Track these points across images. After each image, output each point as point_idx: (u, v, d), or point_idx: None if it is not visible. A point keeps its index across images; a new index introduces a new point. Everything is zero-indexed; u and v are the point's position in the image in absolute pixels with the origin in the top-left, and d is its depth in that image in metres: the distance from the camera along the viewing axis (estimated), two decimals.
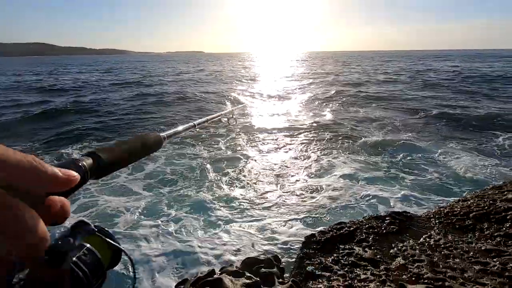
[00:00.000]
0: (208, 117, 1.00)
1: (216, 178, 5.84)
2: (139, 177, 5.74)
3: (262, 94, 17.53)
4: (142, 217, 4.20)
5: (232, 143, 8.47)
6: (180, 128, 0.72)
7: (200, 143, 8.25)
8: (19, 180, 0.27)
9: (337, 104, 14.18)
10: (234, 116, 1.35)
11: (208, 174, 6.05)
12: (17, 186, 0.27)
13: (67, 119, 11.12)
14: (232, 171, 6.18)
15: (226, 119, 1.28)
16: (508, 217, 2.03)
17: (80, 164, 0.36)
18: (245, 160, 6.82)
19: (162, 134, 0.59)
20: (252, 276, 1.20)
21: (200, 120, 0.91)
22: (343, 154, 7.10)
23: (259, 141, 8.62)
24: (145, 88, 19.27)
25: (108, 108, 12.90)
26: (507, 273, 1.50)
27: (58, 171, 0.30)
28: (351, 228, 2.17)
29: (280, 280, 1.22)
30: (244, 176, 5.88)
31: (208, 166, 6.51)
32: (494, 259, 1.64)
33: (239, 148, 7.91)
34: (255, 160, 6.84)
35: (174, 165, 6.56)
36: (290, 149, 7.66)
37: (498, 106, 12.24)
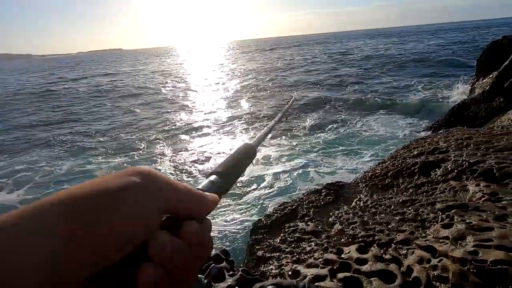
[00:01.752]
0: (276, 119, 0.94)
1: None
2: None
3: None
4: None
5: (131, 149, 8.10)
6: (262, 133, 0.73)
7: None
8: (187, 207, 0.30)
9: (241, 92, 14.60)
10: (287, 113, 1.29)
11: None
12: (184, 212, 0.30)
13: None
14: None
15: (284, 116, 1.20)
16: (415, 171, 2.40)
17: (216, 185, 0.40)
18: (160, 157, 6.58)
19: (252, 143, 0.61)
20: (201, 275, 1.18)
21: (272, 123, 0.87)
22: (267, 142, 7.42)
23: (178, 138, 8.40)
24: None
25: None
26: (419, 217, 1.79)
27: (210, 196, 0.34)
28: (293, 206, 2.30)
29: (231, 272, 1.23)
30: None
31: None
32: (409, 208, 1.93)
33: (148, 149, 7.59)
34: (174, 161, 6.69)
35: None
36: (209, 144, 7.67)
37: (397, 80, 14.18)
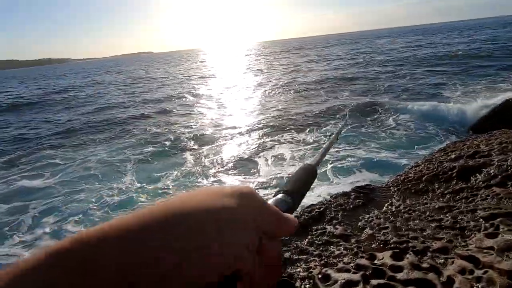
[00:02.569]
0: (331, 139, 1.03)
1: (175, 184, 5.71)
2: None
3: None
4: None
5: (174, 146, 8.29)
6: (320, 154, 0.77)
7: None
8: (276, 230, 0.33)
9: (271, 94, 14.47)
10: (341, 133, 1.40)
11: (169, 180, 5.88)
12: (271, 233, 0.33)
13: None
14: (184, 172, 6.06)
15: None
16: (453, 175, 2.26)
17: (287, 204, 0.42)
18: (196, 161, 6.71)
19: (312, 163, 0.64)
20: None
21: (327, 144, 0.96)
22: (294, 140, 7.31)
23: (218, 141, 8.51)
24: None
25: None
26: (458, 225, 1.68)
27: (292, 219, 0.37)
28: (321, 209, 2.25)
29: None
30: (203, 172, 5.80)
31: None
32: (447, 215, 1.82)
33: (184, 149, 7.74)
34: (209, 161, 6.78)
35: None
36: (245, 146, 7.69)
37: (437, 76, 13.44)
